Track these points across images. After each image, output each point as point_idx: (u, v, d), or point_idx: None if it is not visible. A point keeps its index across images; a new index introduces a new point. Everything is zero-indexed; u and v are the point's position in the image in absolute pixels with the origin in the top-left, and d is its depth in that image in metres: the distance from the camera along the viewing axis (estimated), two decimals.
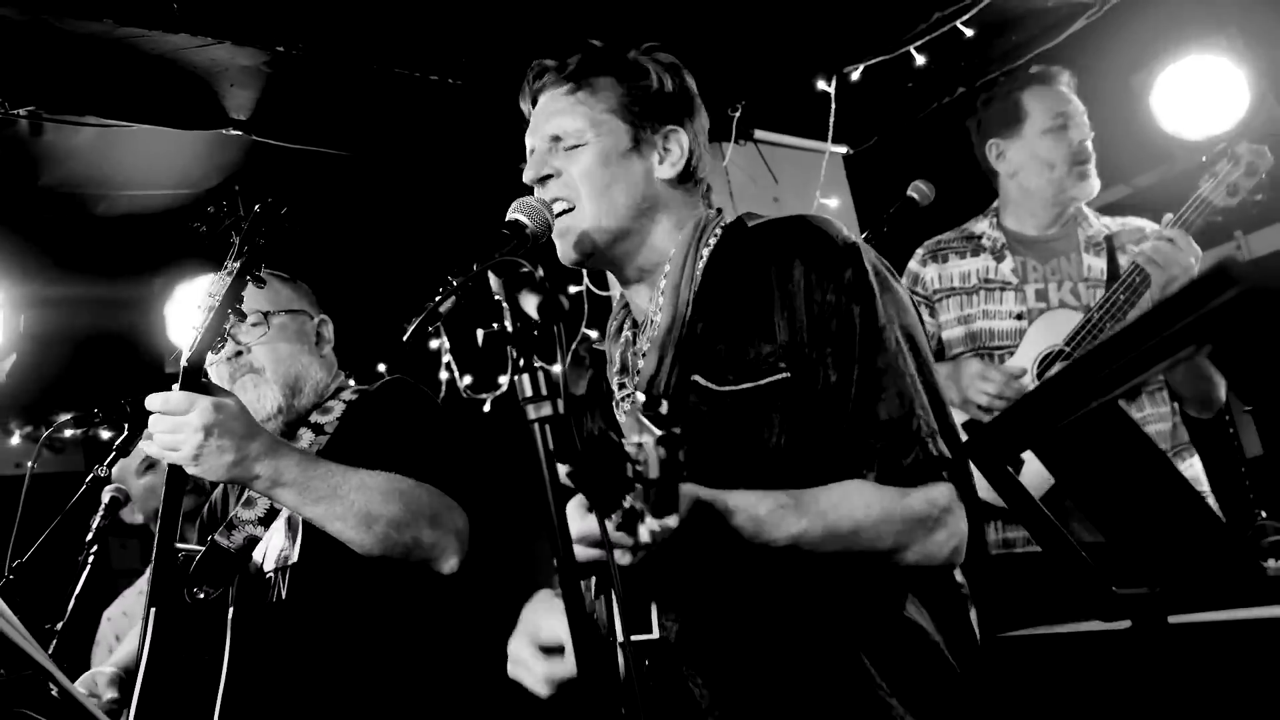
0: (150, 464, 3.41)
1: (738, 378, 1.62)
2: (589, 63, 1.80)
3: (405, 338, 1.42)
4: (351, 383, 2.47)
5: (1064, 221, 2.95)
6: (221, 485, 2.56)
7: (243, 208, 2.12)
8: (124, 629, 3.44)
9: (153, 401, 1.95)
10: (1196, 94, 3.54)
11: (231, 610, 2.23)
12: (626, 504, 1.19)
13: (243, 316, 2.11)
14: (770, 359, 1.61)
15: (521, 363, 1.28)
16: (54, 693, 2.26)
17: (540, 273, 1.37)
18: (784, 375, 1.60)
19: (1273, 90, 3.86)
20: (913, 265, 3.12)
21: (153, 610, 1.95)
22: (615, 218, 1.75)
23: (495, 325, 1.32)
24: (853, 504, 1.54)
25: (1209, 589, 1.50)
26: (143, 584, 3.54)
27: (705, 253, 1.76)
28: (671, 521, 1.21)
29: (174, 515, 2.03)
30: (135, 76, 3.18)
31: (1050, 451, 1.65)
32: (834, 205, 4.12)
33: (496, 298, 1.35)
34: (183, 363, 2.00)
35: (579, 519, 1.40)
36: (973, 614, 1.69)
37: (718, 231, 1.79)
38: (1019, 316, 2.88)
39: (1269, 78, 3.75)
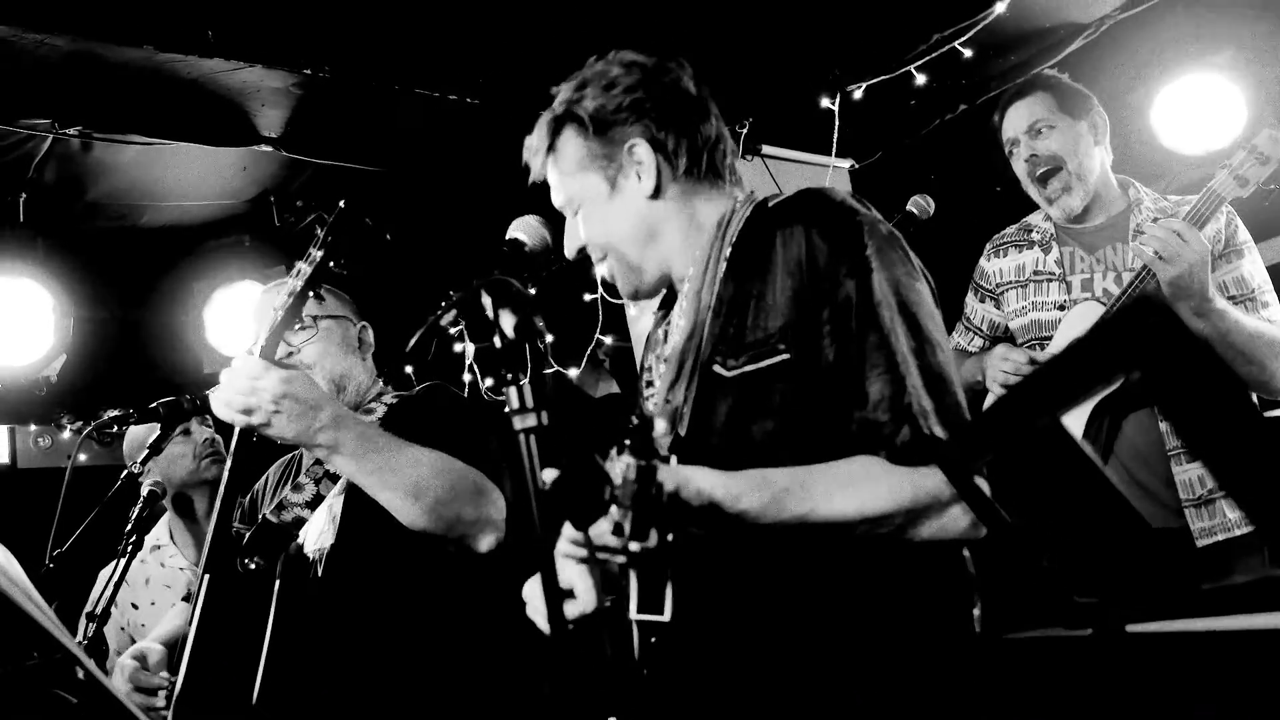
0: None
1: (744, 360, 1.60)
2: (551, 128, 1.79)
3: (408, 349, 1.50)
4: (390, 388, 2.56)
5: (1112, 212, 2.88)
6: (264, 478, 2.70)
7: (324, 210, 2.20)
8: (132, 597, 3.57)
9: (236, 364, 2.06)
10: (1194, 111, 3.58)
11: (278, 584, 2.37)
12: (613, 516, 1.24)
13: (322, 299, 2.22)
14: (773, 339, 1.59)
15: (508, 377, 1.33)
16: (80, 675, 2.43)
17: (531, 291, 1.43)
18: (784, 357, 1.58)
19: (1270, 106, 3.90)
20: (981, 261, 3.12)
21: (207, 577, 2.08)
22: (628, 259, 1.77)
23: (489, 340, 1.37)
24: (843, 483, 1.50)
25: (1153, 601, 1.57)
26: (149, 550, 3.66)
27: (728, 251, 1.71)
28: (651, 542, 1.24)
29: (235, 485, 2.15)
30: (173, 98, 3.35)
31: (1006, 466, 1.76)
32: None
33: (488, 315, 1.40)
34: (258, 347, 2.11)
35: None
36: (977, 610, 1.64)
37: (740, 224, 1.73)
38: (1061, 307, 2.85)
39: (1266, 94, 3.80)
